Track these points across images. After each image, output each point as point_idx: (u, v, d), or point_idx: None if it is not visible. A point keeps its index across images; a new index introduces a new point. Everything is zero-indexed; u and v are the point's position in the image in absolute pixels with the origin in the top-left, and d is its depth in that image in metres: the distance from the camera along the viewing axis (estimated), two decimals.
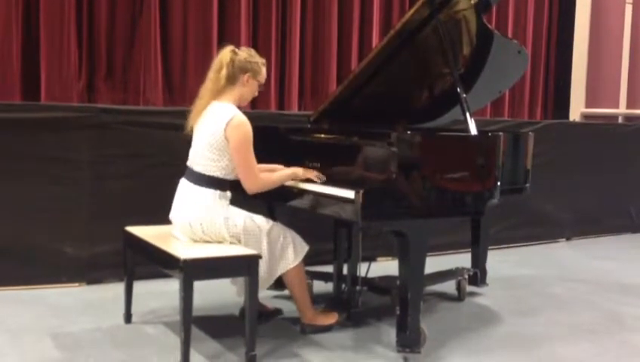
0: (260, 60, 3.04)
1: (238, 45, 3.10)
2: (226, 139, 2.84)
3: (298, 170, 3.02)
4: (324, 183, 2.90)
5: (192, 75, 4.77)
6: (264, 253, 2.86)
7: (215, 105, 2.94)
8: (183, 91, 4.80)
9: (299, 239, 3.00)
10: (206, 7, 4.88)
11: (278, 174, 3.01)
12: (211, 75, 2.98)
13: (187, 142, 3.01)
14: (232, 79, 2.95)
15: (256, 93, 3.09)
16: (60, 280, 3.80)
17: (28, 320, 3.22)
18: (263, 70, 3.05)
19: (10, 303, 3.47)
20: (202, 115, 2.95)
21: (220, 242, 2.88)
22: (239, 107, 2.97)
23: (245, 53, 3.01)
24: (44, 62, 4.36)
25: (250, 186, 2.90)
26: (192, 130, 3.00)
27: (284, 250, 2.94)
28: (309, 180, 3.00)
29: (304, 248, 3.00)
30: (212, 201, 2.88)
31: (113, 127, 3.89)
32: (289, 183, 3.05)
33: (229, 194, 2.95)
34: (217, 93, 2.95)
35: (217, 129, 2.84)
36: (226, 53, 2.97)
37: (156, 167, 3.87)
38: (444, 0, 3.14)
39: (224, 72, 2.93)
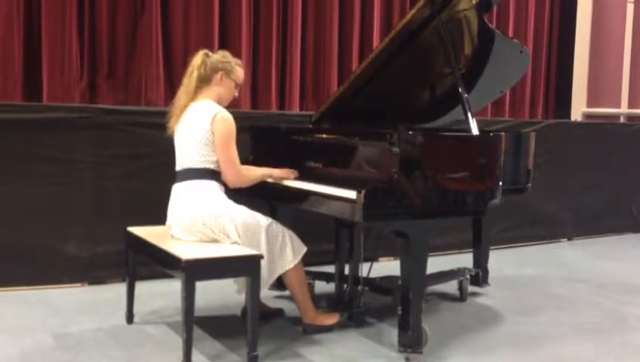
0: (234, 60, 3.10)
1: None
2: (212, 133, 2.89)
3: (274, 171, 3.13)
4: (326, 183, 2.90)
5: None
6: (263, 250, 2.86)
7: (195, 105, 3.00)
8: None
9: (297, 239, 3.01)
10: (207, 6, 4.88)
11: (255, 172, 3.10)
12: (185, 79, 3.06)
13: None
14: (205, 79, 3.03)
15: (236, 94, 3.15)
16: (61, 280, 3.80)
17: (30, 320, 3.22)
18: (238, 69, 3.10)
19: (12, 303, 3.47)
20: (182, 117, 3.02)
21: (218, 240, 2.89)
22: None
23: (218, 55, 3.10)
24: (46, 63, 4.37)
25: (232, 179, 2.98)
26: (172, 134, 3.06)
27: (282, 249, 2.94)
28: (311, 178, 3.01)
29: (302, 248, 3.00)
30: (210, 192, 2.92)
31: (114, 127, 3.90)
32: (290, 184, 3.07)
33: (223, 187, 3.00)
34: (193, 95, 3.03)
35: (203, 125, 2.90)
36: (198, 57, 3.05)
37: (157, 168, 3.87)
38: (445, 0, 3.14)
39: (195, 73, 3.02)
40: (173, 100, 3.10)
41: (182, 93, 3.06)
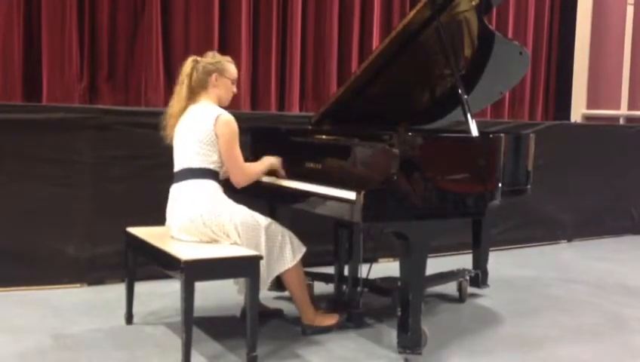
0: (224, 59, 3.11)
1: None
2: (216, 135, 2.90)
3: (274, 162, 3.17)
4: (326, 184, 2.90)
5: None
6: (262, 250, 2.86)
7: (195, 107, 3.01)
8: None
9: (296, 240, 3.01)
10: (207, 7, 4.88)
11: (258, 167, 3.12)
12: (177, 87, 3.07)
13: None
14: (201, 84, 3.03)
15: (235, 90, 3.16)
16: (61, 280, 3.80)
17: (29, 320, 3.23)
18: (230, 66, 3.10)
19: (12, 304, 3.47)
20: (180, 120, 3.02)
21: (217, 240, 2.89)
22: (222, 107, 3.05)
23: (208, 57, 3.09)
24: (46, 64, 4.37)
25: (239, 179, 3.00)
26: (170, 140, 3.07)
27: (282, 250, 2.95)
28: (313, 179, 3.02)
29: (302, 249, 3.01)
30: (210, 191, 2.92)
31: (114, 128, 3.90)
32: (290, 184, 3.07)
33: (222, 187, 3.00)
34: (185, 103, 3.03)
35: (205, 125, 2.91)
36: (187, 65, 3.06)
37: (157, 168, 3.87)
38: (445, 1, 3.14)
39: (187, 81, 3.03)
40: (167, 109, 3.08)
41: (175, 102, 3.06)
